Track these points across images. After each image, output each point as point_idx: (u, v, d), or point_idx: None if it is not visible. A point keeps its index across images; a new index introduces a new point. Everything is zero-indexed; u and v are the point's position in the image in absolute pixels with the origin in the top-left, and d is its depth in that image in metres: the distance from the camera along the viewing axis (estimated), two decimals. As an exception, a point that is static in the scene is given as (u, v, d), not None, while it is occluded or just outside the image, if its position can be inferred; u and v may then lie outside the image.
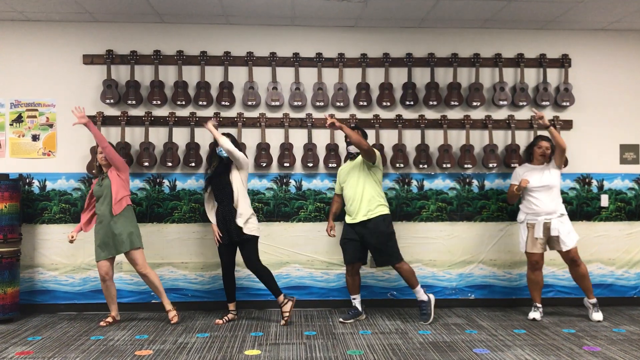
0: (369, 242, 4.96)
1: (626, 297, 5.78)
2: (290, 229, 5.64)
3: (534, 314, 5.13)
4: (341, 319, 5.06)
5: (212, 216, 5.06)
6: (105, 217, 4.84)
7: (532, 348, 4.28)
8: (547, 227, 5.01)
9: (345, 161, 5.33)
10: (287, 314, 4.94)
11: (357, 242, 5.01)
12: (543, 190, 5.03)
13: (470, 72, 5.75)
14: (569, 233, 5.01)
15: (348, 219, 5.05)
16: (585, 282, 5.10)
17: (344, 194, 5.10)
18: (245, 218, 4.87)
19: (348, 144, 5.03)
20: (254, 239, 4.95)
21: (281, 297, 4.97)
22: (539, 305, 5.17)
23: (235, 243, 4.96)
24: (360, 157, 4.98)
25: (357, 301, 5.16)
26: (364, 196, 4.93)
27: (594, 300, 5.12)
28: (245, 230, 4.86)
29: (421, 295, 5.00)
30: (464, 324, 5.01)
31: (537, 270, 5.12)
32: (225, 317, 5.04)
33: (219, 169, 4.99)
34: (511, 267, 5.73)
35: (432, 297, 5.06)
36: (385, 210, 5.00)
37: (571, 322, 5.07)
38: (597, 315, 5.06)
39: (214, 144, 4.95)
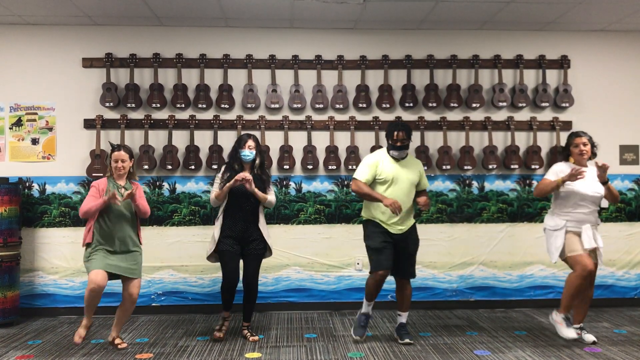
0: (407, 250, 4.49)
1: (627, 298, 5.77)
2: (290, 231, 5.63)
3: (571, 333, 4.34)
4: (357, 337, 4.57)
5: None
6: (124, 239, 4.27)
7: (533, 349, 4.27)
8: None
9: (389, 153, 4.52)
10: (252, 337, 4.58)
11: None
12: (592, 199, 4.33)
13: (470, 74, 5.75)
14: (601, 248, 4.39)
15: (395, 229, 4.40)
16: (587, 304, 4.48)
17: (391, 194, 4.35)
18: (268, 232, 4.64)
19: (395, 148, 4.41)
20: (264, 255, 4.65)
21: (249, 324, 4.68)
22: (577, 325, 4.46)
23: (242, 253, 4.55)
24: (416, 176, 4.49)
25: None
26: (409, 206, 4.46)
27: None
28: (269, 242, 4.58)
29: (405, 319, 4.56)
30: (465, 326, 5.01)
31: (587, 280, 4.25)
32: (224, 329, 4.62)
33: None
34: (512, 268, 5.73)
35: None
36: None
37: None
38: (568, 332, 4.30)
39: (237, 146, 4.55)
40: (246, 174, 4.40)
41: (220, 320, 4.67)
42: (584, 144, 4.37)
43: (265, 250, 4.61)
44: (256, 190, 4.46)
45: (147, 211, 4.37)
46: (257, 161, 4.60)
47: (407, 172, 4.45)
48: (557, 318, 4.34)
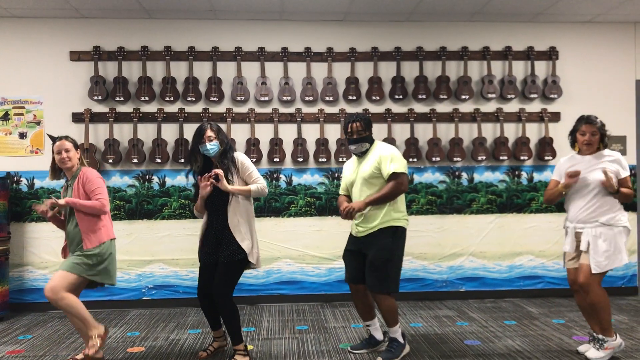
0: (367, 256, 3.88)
1: (614, 287, 5.83)
2: (281, 224, 5.64)
3: (581, 347, 4.01)
4: (349, 348, 4.10)
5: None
6: (71, 240, 3.75)
7: (523, 339, 4.32)
8: (578, 239, 3.83)
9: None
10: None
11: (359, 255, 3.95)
12: (580, 190, 3.81)
13: (459, 66, 5.76)
14: (606, 252, 3.69)
15: (354, 230, 4.00)
16: (594, 314, 3.80)
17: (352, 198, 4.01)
18: (248, 238, 3.77)
19: (350, 142, 3.93)
20: (242, 262, 3.78)
21: (241, 346, 3.80)
22: (596, 336, 3.84)
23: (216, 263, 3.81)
24: (370, 168, 3.85)
25: (373, 328, 4.11)
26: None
27: (600, 336, 3.80)
28: (247, 252, 3.74)
29: (398, 335, 3.91)
30: (455, 316, 5.04)
31: (577, 293, 3.90)
32: (210, 347, 4.02)
33: (207, 170, 3.81)
34: (501, 259, 5.77)
35: (407, 347, 3.98)
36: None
37: (561, 312, 5.12)
38: (593, 353, 3.81)
39: (197, 140, 3.79)
40: (206, 180, 3.70)
41: (211, 339, 4.13)
42: (593, 134, 3.79)
43: (237, 254, 3.72)
44: (230, 187, 3.71)
45: (95, 209, 3.66)
46: (221, 151, 3.81)
47: (362, 168, 3.90)
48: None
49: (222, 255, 3.73)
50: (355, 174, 3.94)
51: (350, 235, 4.03)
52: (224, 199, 3.76)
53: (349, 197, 4.06)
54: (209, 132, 3.74)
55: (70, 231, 3.75)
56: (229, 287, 3.73)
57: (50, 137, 3.86)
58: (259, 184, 3.83)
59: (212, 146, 3.74)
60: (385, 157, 3.81)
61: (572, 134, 3.93)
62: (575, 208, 3.83)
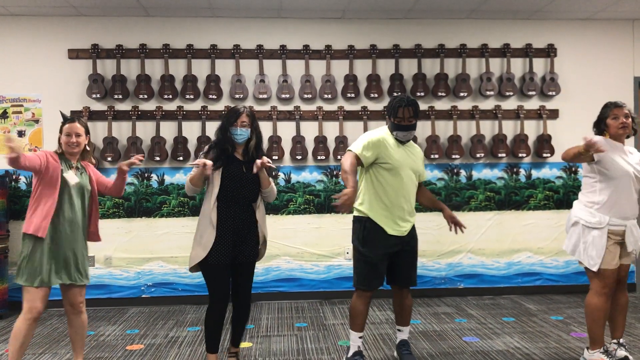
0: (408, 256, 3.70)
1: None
2: (280, 221, 5.64)
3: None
4: None
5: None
6: (75, 227, 3.39)
7: (521, 335, 4.33)
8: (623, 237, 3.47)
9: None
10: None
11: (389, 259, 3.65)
12: (628, 184, 3.44)
13: (457, 63, 5.77)
14: None
15: (399, 230, 3.61)
16: (623, 314, 3.65)
17: (396, 184, 3.57)
18: (266, 233, 3.58)
19: (400, 128, 3.57)
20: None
21: (238, 350, 3.75)
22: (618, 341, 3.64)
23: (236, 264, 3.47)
24: (420, 166, 3.71)
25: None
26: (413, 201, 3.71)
27: (621, 340, 3.66)
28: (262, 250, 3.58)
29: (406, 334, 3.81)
30: (454, 313, 5.06)
31: (606, 295, 3.48)
32: None
33: (238, 158, 3.48)
34: (499, 256, 5.78)
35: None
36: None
37: (559, 309, 5.13)
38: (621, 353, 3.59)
39: (227, 123, 3.44)
40: (205, 160, 3.33)
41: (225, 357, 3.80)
42: (626, 116, 3.48)
43: (258, 253, 3.56)
44: (262, 174, 3.44)
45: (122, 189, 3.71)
46: (253, 142, 3.48)
47: (412, 159, 3.64)
48: (593, 357, 3.53)
49: (247, 254, 3.45)
50: (404, 162, 3.58)
51: (387, 235, 3.56)
52: (255, 191, 3.45)
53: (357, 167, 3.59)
54: (244, 117, 3.43)
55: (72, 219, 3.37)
56: (250, 287, 3.61)
57: (63, 115, 3.52)
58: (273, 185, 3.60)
59: (242, 132, 3.42)
60: (422, 158, 3.81)
61: (598, 124, 3.61)
62: (628, 204, 3.43)
